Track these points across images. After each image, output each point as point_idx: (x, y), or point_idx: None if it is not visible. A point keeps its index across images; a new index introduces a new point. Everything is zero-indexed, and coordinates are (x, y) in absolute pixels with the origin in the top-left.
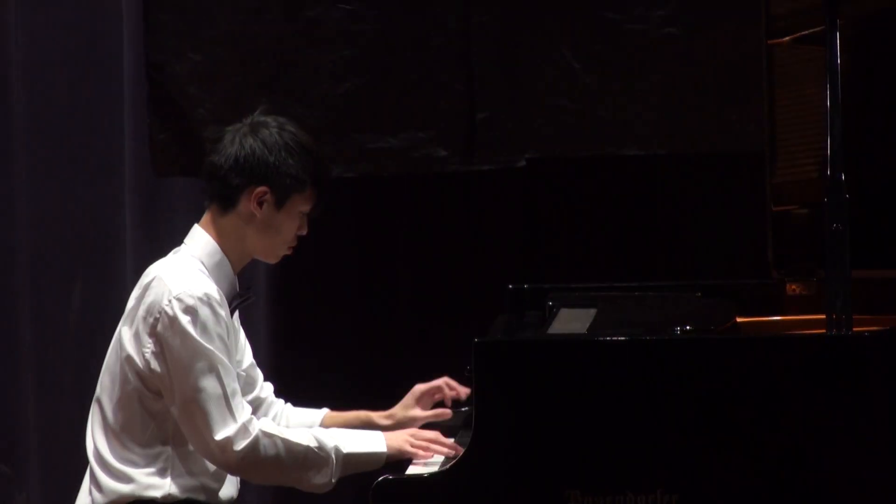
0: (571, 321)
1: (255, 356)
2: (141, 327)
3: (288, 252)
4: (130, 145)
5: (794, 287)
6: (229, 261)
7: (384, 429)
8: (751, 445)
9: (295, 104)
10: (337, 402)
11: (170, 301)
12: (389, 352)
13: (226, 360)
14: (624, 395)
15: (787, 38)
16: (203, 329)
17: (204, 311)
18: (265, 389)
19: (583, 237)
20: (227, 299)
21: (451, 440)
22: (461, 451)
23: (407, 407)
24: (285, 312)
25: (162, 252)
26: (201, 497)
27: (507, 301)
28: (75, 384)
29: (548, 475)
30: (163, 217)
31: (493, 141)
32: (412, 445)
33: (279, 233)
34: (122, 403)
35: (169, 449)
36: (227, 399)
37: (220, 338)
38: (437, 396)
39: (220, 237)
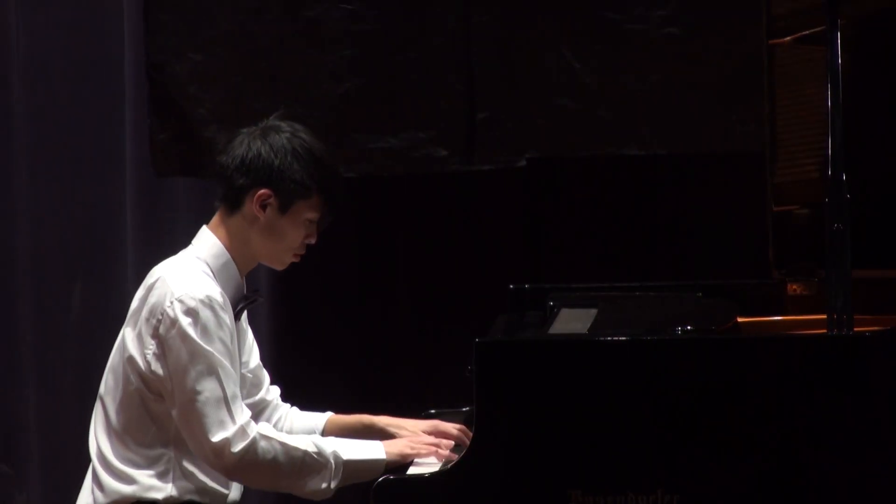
0: (572, 321)
1: None
2: (144, 328)
3: (294, 259)
4: (131, 145)
5: (794, 287)
6: (236, 263)
7: (387, 433)
8: (751, 446)
9: (295, 104)
10: (336, 402)
11: (171, 303)
12: (389, 352)
13: (226, 363)
14: (625, 395)
15: (787, 38)
16: (203, 331)
17: (205, 314)
18: (271, 392)
19: (583, 237)
20: (233, 301)
21: (451, 442)
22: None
23: (417, 426)
24: (285, 312)
25: (162, 252)
26: (204, 500)
27: (507, 301)
28: (76, 384)
29: (549, 475)
30: (163, 217)
31: (493, 141)
32: (412, 448)
33: (283, 238)
34: (124, 404)
35: (171, 451)
36: (226, 402)
37: (222, 341)
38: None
39: (227, 239)
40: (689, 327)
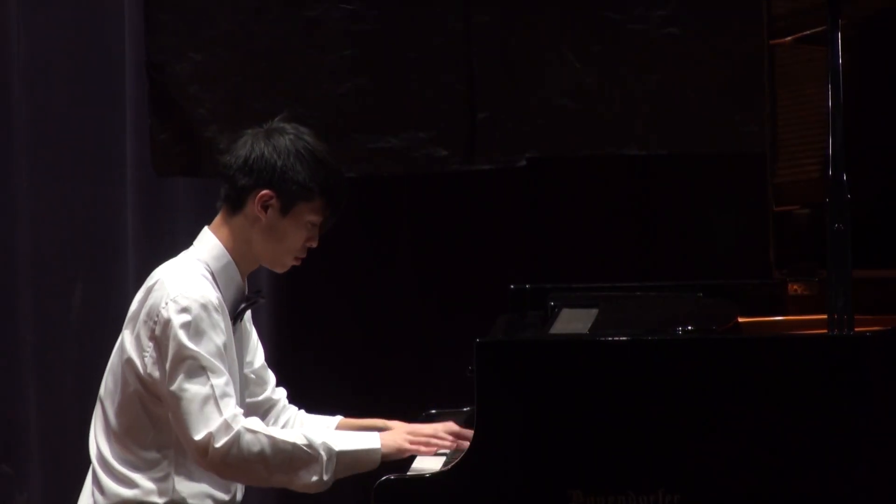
0: (573, 321)
1: None
2: (142, 331)
3: (295, 262)
4: (131, 145)
5: (795, 287)
6: (237, 264)
7: None
8: (752, 446)
9: (295, 104)
10: (337, 402)
11: (166, 304)
12: (390, 352)
13: (217, 363)
14: (626, 395)
15: (788, 38)
16: (195, 332)
17: (198, 314)
18: (277, 392)
19: (584, 237)
20: (234, 303)
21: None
22: (463, 445)
23: (436, 430)
24: (285, 312)
25: (162, 252)
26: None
27: (508, 301)
28: (76, 385)
29: (549, 475)
30: (163, 217)
31: (493, 141)
32: (411, 443)
33: (284, 240)
34: (123, 406)
35: (171, 454)
36: (215, 401)
37: (214, 342)
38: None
39: (229, 239)
40: (689, 327)
